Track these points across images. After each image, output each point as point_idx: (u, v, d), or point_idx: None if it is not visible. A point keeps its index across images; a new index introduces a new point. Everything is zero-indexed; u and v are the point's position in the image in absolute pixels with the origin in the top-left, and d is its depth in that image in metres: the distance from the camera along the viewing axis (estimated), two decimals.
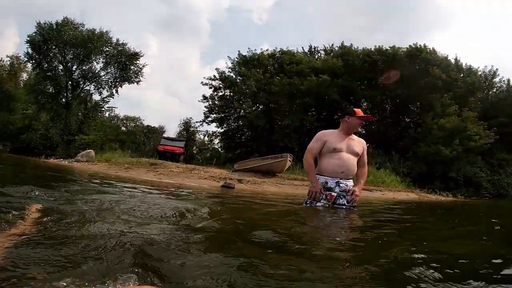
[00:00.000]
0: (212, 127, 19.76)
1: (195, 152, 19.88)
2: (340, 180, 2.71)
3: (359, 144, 2.84)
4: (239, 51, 18.73)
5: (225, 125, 18.18)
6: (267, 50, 18.76)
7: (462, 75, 18.96)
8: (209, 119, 18.28)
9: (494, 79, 20.55)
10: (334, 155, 2.72)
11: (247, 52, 18.59)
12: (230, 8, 65.89)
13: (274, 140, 15.37)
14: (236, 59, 18.39)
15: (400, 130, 16.65)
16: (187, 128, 20.97)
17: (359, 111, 2.83)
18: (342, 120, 2.86)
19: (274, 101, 16.16)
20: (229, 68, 18.35)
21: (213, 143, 19.89)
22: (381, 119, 17.64)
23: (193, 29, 67.39)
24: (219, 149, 19.52)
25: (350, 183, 2.77)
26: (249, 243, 1.48)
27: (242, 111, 16.96)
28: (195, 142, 20.80)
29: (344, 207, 2.70)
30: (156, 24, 66.73)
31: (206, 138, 19.88)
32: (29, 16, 53.74)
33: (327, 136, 2.81)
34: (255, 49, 18.68)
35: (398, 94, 16.80)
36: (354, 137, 2.86)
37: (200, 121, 18.70)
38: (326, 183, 2.71)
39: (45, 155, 18.32)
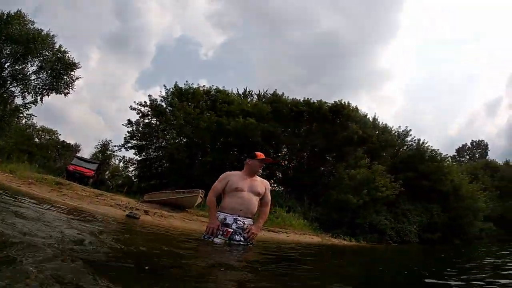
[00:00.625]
0: (130, 154, 19.06)
1: (107, 177, 18.72)
2: (238, 218, 2.85)
3: (261, 184, 3.01)
4: (176, 82, 19.16)
5: (144, 154, 17.66)
6: (203, 86, 19.43)
7: (377, 132, 21.38)
8: (129, 144, 17.68)
9: (407, 138, 23.49)
10: (236, 193, 2.89)
11: (184, 84, 19.02)
12: (181, 37, 67.75)
13: (193, 175, 15.19)
14: (171, 89, 18.63)
15: (315, 177, 17.58)
16: (104, 151, 19.89)
17: (260, 154, 3.06)
18: (245, 162, 3.07)
19: (199, 137, 16.33)
20: (161, 97, 18.47)
21: (128, 170, 19.05)
22: (299, 165, 18.63)
23: (138, 50, 67.27)
24: (133, 178, 18.66)
25: (248, 221, 2.89)
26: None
27: (165, 141, 16.75)
28: (109, 166, 19.65)
29: (241, 243, 2.81)
30: (103, 37, 65.66)
31: (121, 164, 18.99)
32: None
33: (230, 176, 2.99)
34: (192, 83, 19.24)
35: (317, 144, 18.11)
36: (258, 178, 3.04)
37: (119, 145, 18.01)
38: (225, 219, 2.85)
39: None
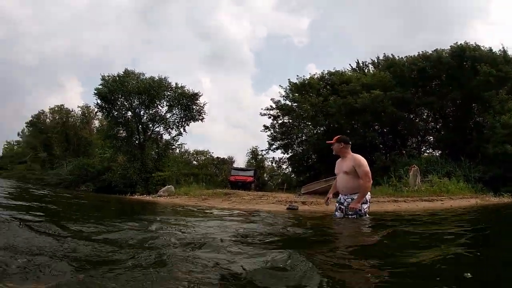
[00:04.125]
0: (278, 154, 21.17)
1: (266, 179, 21.55)
2: (341, 196, 3.46)
3: (349, 162, 3.32)
4: (289, 79, 20.09)
5: (290, 151, 19.73)
6: (315, 74, 20.09)
7: None
8: (274, 146, 19.84)
9: None
10: (337, 177, 3.53)
11: (297, 79, 19.87)
12: (269, 36, 68.28)
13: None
14: (288, 87, 19.83)
15: (465, 134, 16.87)
16: (255, 157, 22.77)
17: (334, 138, 3.52)
18: None
19: (334, 122, 17.43)
20: (283, 96, 19.83)
21: (282, 168, 21.56)
22: (445, 124, 18.02)
23: (238, 61, 69.84)
24: (289, 174, 21.10)
25: (346, 197, 3.35)
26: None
27: (304, 135, 18.43)
28: (265, 169, 22.52)
29: (342, 216, 3.34)
30: (202, 61, 70.47)
31: (274, 165, 21.60)
32: (85, 67, 60.36)
33: (337, 162, 3.54)
34: (304, 76, 19.92)
35: (453, 98, 17.24)
36: (348, 157, 3.36)
37: (266, 149, 20.43)
38: (340, 198, 3.48)
39: (130, 193, 21.05)
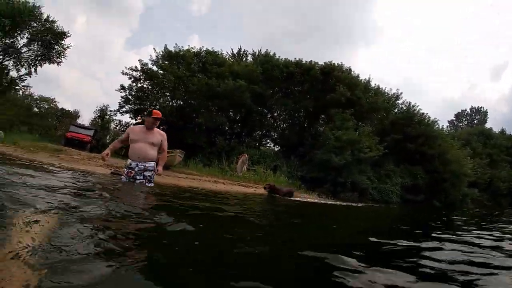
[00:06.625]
0: (127, 118, 19.61)
1: (108, 141, 19.53)
2: (139, 163, 3.60)
3: (158, 136, 3.69)
4: (166, 45, 19.06)
5: (139, 117, 18.20)
6: (193, 48, 19.30)
7: (370, 93, 21.52)
8: (124, 109, 18.20)
9: (398, 101, 23.69)
10: (134, 144, 3.63)
11: (174, 47, 18.89)
12: None
13: (185, 137, 15.92)
14: (161, 52, 18.59)
15: (303, 138, 18.22)
16: (102, 116, 20.51)
17: (156, 113, 3.73)
18: (144, 118, 3.89)
19: (192, 99, 16.71)
20: (152, 60, 18.45)
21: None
22: (292, 126, 19.18)
23: (124, 7, 62.67)
24: None
25: (149, 164, 3.63)
26: None
27: (158, 105, 17.22)
28: (109, 131, 20.40)
29: (142, 181, 3.60)
30: None
31: (119, 128, 19.65)
32: None
33: (131, 130, 3.74)
34: (182, 46, 19.11)
35: (306, 106, 18.47)
36: (156, 131, 3.71)
37: (115, 110, 18.56)
38: (130, 164, 3.64)
39: None
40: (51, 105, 22.99)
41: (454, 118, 50.93)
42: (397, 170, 20.43)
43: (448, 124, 43.06)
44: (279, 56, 19.86)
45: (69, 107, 24.39)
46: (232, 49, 21.32)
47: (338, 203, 12.64)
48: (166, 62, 17.73)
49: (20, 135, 15.71)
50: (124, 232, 1.63)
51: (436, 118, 22.62)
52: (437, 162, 21.59)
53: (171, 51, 18.44)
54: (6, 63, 20.51)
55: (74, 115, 22.10)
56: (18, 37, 20.25)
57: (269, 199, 8.74)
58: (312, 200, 13.38)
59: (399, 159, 20.82)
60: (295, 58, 19.48)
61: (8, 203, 1.68)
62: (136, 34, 63.13)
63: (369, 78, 21.95)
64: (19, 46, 20.38)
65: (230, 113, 18.12)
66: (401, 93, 23.01)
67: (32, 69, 20.12)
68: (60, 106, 24.28)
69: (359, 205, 13.32)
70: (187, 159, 14.11)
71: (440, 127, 24.95)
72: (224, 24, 66.20)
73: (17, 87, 20.51)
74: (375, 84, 22.26)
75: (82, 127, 17.74)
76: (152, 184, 3.73)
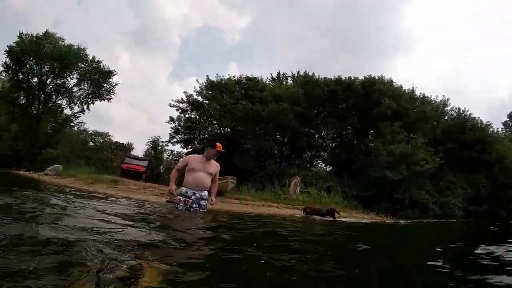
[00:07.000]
0: (178, 148, 20.44)
1: (162, 171, 20.32)
2: (196, 191, 3.68)
3: (214, 167, 3.79)
4: (207, 76, 19.96)
5: (190, 146, 18.88)
6: (234, 76, 19.97)
7: (417, 103, 20.63)
8: (175, 139, 19.00)
9: (446, 108, 22.45)
10: (192, 173, 3.68)
11: (215, 77, 19.67)
12: (203, 26, 66.76)
13: (234, 163, 16.14)
14: (204, 83, 19.45)
15: (354, 155, 17.72)
16: (155, 147, 21.52)
17: (219, 146, 3.81)
18: (206, 149, 3.86)
19: (239, 125, 17.09)
20: (196, 91, 19.32)
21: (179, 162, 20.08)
22: (341, 144, 18.76)
23: (163, 43, 67.10)
24: None
25: (204, 193, 3.73)
26: None
27: (207, 133, 17.79)
28: (162, 161, 21.29)
29: (197, 209, 3.68)
30: (126, 35, 65.59)
31: (171, 158, 20.47)
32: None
33: (190, 159, 3.83)
34: (223, 75, 19.80)
35: (353, 122, 18.07)
36: (212, 161, 3.79)
37: (166, 141, 19.44)
38: (186, 192, 3.69)
39: (16, 167, 18.39)
40: (106, 139, 24.68)
41: (508, 119, 46.55)
42: (457, 181, 19.00)
43: (503, 127, 39.52)
44: (318, 75, 19.93)
45: (122, 139, 25.95)
46: (271, 74, 22.00)
47: (401, 221, 11.49)
48: (210, 92, 18.49)
49: (77, 169, 16.57)
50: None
51: (489, 121, 20.96)
52: (497, 168, 19.88)
53: (213, 81, 19.28)
54: (60, 102, 22.57)
55: (128, 147, 23.45)
56: (68, 78, 22.30)
57: (318, 221, 7.73)
58: (372, 220, 12.79)
59: (455, 169, 19.40)
60: (334, 76, 19.37)
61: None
62: (176, 66, 67.57)
63: (413, 87, 21.14)
64: (70, 86, 22.37)
65: (278, 136, 18.22)
66: (448, 99, 21.87)
67: (85, 107, 21.85)
68: (114, 139, 26.06)
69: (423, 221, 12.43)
70: (240, 184, 14.21)
71: (495, 131, 23.10)
72: (258, 49, 68.63)
73: (71, 124, 22.26)
74: (420, 93, 21.43)
75: (137, 158, 18.73)
76: (205, 211, 3.82)
